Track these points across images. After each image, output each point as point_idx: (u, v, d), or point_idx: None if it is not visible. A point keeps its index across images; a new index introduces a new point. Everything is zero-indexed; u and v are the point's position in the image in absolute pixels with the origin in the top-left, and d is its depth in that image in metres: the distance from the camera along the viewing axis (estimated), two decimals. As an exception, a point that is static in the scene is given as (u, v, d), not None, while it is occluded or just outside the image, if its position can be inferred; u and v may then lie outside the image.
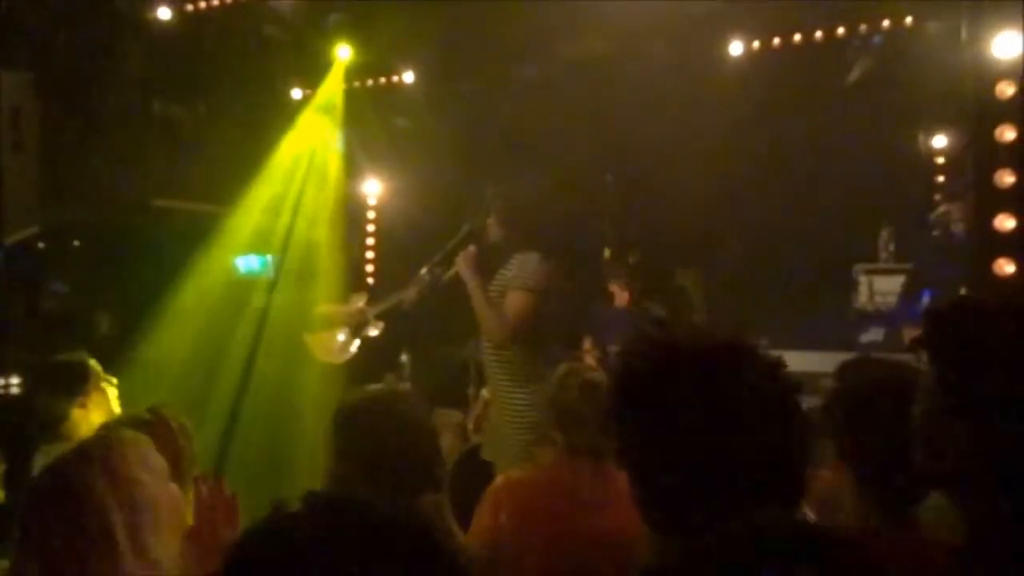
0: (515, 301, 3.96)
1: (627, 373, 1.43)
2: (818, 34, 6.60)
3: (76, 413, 3.41)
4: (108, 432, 2.27)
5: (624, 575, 2.58)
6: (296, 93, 8.53)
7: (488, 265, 4.15)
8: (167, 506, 2.00)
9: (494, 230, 4.16)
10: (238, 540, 1.07)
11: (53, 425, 3.37)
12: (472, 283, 4.05)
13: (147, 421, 2.60)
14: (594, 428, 2.68)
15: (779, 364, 1.41)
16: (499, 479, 2.85)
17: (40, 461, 3.21)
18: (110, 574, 1.83)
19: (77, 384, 3.47)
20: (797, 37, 6.63)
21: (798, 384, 1.41)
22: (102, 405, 3.48)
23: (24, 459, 3.33)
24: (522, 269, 4.00)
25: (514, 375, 4.02)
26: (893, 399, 1.72)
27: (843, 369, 1.99)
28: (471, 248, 4.15)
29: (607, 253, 6.79)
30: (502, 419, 4.04)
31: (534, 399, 3.80)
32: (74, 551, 1.84)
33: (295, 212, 7.75)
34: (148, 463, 2.02)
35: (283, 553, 1.01)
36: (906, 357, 1.89)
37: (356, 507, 1.07)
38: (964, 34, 4.48)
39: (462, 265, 4.12)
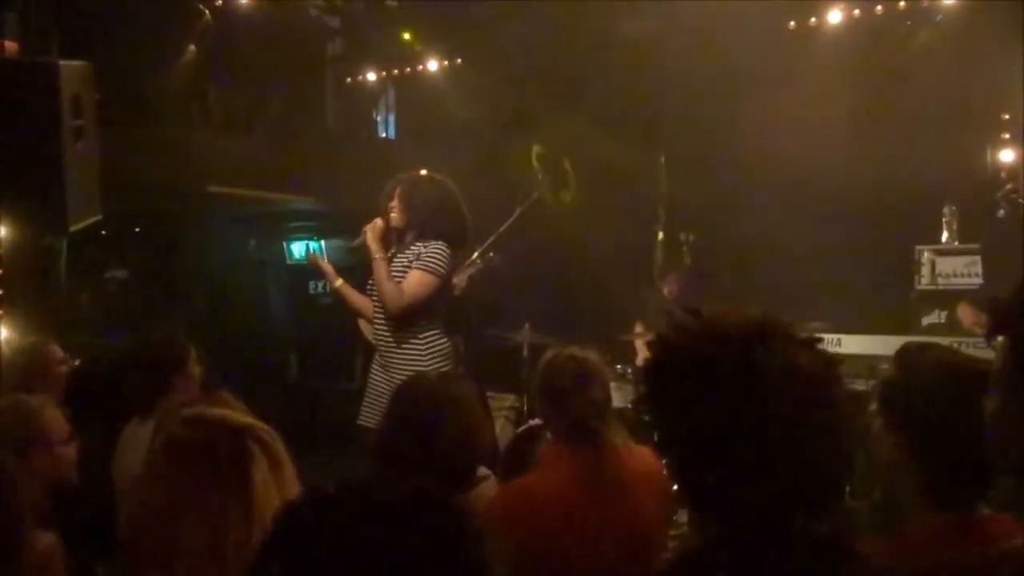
0: (416, 279, 4.10)
1: (662, 363, 1.42)
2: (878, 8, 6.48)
3: (170, 391, 3.40)
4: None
5: (638, 562, 2.52)
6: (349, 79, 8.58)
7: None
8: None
9: (397, 215, 4.24)
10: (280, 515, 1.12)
11: (147, 402, 3.35)
12: (377, 255, 4.16)
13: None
14: (590, 410, 2.60)
15: (815, 340, 1.38)
16: (496, 495, 2.67)
17: (130, 436, 3.26)
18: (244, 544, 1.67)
19: (174, 362, 3.51)
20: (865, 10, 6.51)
21: (838, 358, 1.38)
22: (192, 385, 3.50)
23: (113, 433, 3.34)
24: (428, 252, 4.13)
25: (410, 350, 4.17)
26: (957, 387, 1.67)
27: (902, 356, 1.91)
28: (379, 221, 4.23)
29: (659, 235, 6.69)
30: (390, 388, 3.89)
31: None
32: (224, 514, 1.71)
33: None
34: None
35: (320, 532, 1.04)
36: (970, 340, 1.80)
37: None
38: None
39: (369, 236, 4.20)
